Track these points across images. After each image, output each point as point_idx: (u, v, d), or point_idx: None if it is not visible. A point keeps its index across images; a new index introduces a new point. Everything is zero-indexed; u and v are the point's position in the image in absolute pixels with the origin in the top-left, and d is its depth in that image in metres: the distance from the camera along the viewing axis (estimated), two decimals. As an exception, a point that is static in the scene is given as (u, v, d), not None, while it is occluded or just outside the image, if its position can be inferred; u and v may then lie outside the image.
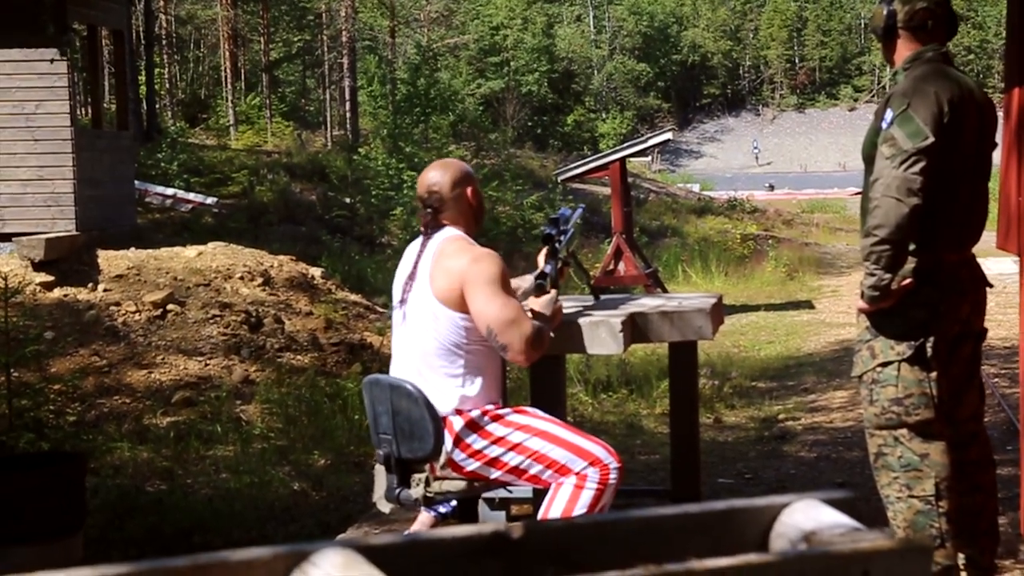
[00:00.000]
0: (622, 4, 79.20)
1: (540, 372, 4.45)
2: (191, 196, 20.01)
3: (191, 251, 12.39)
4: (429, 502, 4.14)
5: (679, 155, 74.56)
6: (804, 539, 1.31)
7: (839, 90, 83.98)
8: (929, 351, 3.90)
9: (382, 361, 6.51)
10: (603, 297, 5.04)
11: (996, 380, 8.99)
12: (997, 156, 4.30)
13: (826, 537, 1.29)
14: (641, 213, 25.89)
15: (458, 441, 4.03)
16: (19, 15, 12.15)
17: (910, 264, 3.88)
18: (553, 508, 3.94)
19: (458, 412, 4.05)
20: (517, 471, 4.02)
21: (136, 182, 16.61)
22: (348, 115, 36.36)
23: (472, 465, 4.05)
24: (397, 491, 4.14)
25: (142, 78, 27.78)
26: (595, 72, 74.56)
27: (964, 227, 4.02)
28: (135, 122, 21.68)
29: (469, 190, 4.23)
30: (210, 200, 19.95)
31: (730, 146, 78.39)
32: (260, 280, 11.92)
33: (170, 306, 11.07)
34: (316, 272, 12.92)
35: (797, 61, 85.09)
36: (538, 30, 67.67)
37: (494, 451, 4.02)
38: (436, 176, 4.22)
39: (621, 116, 71.19)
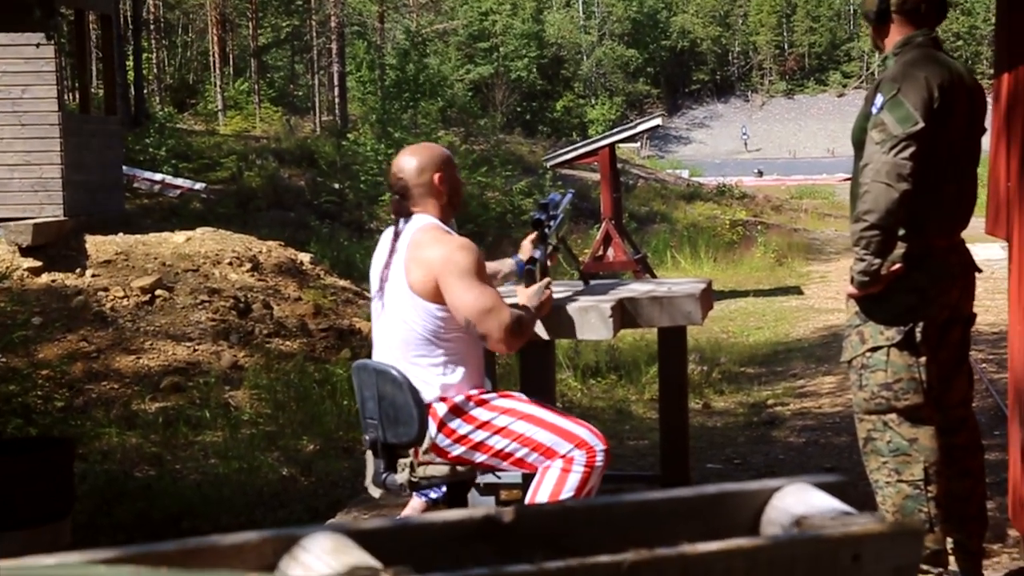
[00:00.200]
0: (611, -11, 79.12)
1: (529, 358, 4.44)
2: (179, 182, 19.95)
3: (179, 236, 12.36)
4: (414, 487, 4.13)
5: (668, 141, 74.53)
6: (795, 523, 1.30)
7: (828, 76, 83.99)
8: (918, 336, 3.90)
9: (371, 346, 6.58)
10: (592, 283, 5.04)
11: (984, 365, 9.01)
12: (986, 142, 4.29)
13: (817, 521, 1.28)
14: (630, 199, 25.90)
15: (442, 426, 4.03)
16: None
17: (900, 249, 3.88)
18: (540, 492, 3.93)
19: (442, 399, 4.04)
20: (503, 455, 4.01)
21: (124, 168, 16.55)
22: (337, 100, 36.32)
23: (457, 450, 4.04)
24: (384, 476, 4.14)
25: (130, 63, 27.68)
26: (584, 58, 74.47)
27: (954, 212, 4.02)
28: (123, 107, 21.59)
29: (436, 176, 4.11)
30: (198, 186, 19.89)
31: (719, 132, 78.38)
32: (249, 266, 11.89)
33: (158, 292, 11.05)
34: (305, 258, 12.90)
35: (786, 47, 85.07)
36: (527, 16, 67.55)
37: (479, 435, 4.02)
38: (403, 162, 4.17)
39: (610, 102, 71.14)
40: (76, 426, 8.45)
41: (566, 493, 3.90)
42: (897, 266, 3.88)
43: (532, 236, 4.54)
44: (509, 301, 4.15)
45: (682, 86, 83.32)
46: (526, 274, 4.34)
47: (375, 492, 4.23)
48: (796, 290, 16.80)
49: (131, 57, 28.14)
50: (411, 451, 4.08)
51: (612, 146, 15.94)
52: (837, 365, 10.51)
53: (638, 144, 54.29)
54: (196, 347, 10.32)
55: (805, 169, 53.40)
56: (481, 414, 4.03)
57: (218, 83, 37.63)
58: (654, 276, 14.93)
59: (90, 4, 15.29)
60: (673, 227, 24.52)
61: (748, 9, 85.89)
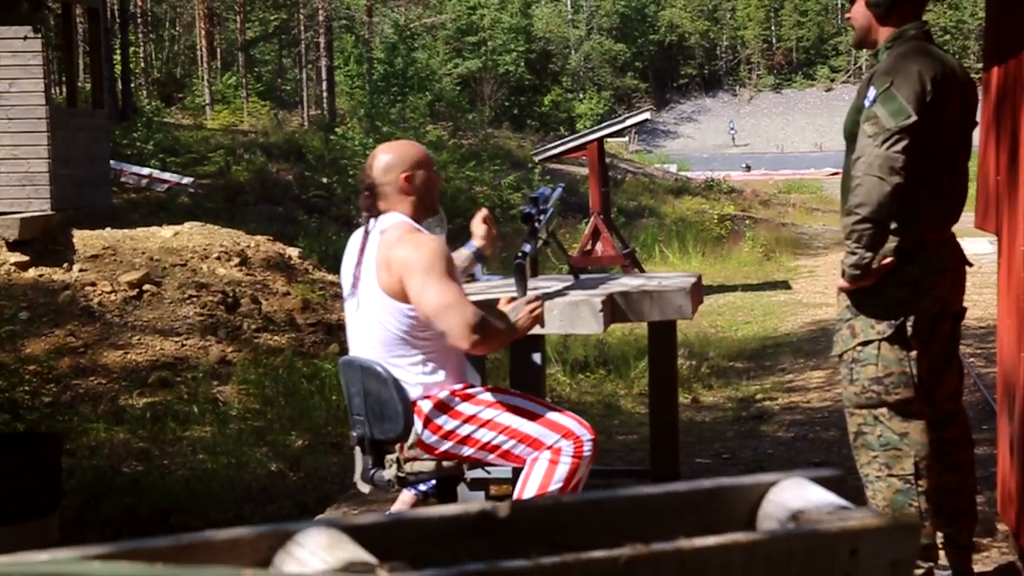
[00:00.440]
0: (599, -16, 79.10)
1: (519, 352, 4.44)
2: (167, 176, 19.88)
3: (167, 231, 12.33)
4: (402, 483, 4.12)
5: (656, 135, 74.55)
6: (792, 518, 1.30)
7: (816, 70, 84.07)
8: (909, 330, 3.90)
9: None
10: (582, 277, 5.03)
11: (972, 360, 9.03)
12: (975, 136, 4.29)
13: (814, 516, 1.28)
14: (618, 193, 25.90)
15: (428, 422, 4.02)
16: (-8, -8, 12.05)
17: (891, 243, 3.88)
18: (529, 484, 3.93)
19: (427, 396, 4.04)
20: (489, 447, 4.00)
21: (111, 162, 16.50)
22: (325, 95, 36.23)
23: (444, 445, 4.04)
24: (372, 472, 4.14)
25: (117, 57, 27.58)
26: (572, 52, 74.43)
27: (945, 206, 4.02)
28: (110, 101, 21.53)
29: (403, 176, 4.07)
30: (186, 180, 19.83)
31: (707, 126, 78.42)
32: (237, 260, 11.87)
33: (146, 286, 11.02)
34: (293, 252, 12.87)
35: (774, 41, 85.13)
36: (515, 10, 67.49)
37: (465, 429, 4.01)
38: (373, 159, 4.15)
39: (598, 96, 71.12)
40: (63, 421, 8.43)
41: (555, 484, 3.90)
42: (888, 260, 3.88)
43: (482, 214, 4.53)
44: (507, 307, 4.14)
45: (670, 80, 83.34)
46: (516, 268, 4.33)
47: (364, 488, 4.23)
48: (784, 285, 16.82)
49: (118, 51, 28.03)
50: (398, 447, 4.07)
51: (600, 140, 15.94)
52: (825, 360, 10.53)
53: (626, 138, 54.26)
54: (184, 342, 10.30)
55: (793, 164, 53.44)
56: (467, 408, 4.02)
57: (206, 77, 37.53)
58: (642, 271, 14.93)
59: (77, -3, 15.24)
60: (661, 221, 24.53)
61: (736, 3, 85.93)
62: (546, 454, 3.93)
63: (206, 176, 20.57)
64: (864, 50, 4.25)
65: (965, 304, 4.22)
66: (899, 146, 3.72)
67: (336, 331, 10.92)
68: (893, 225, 3.84)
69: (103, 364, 9.81)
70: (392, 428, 4.04)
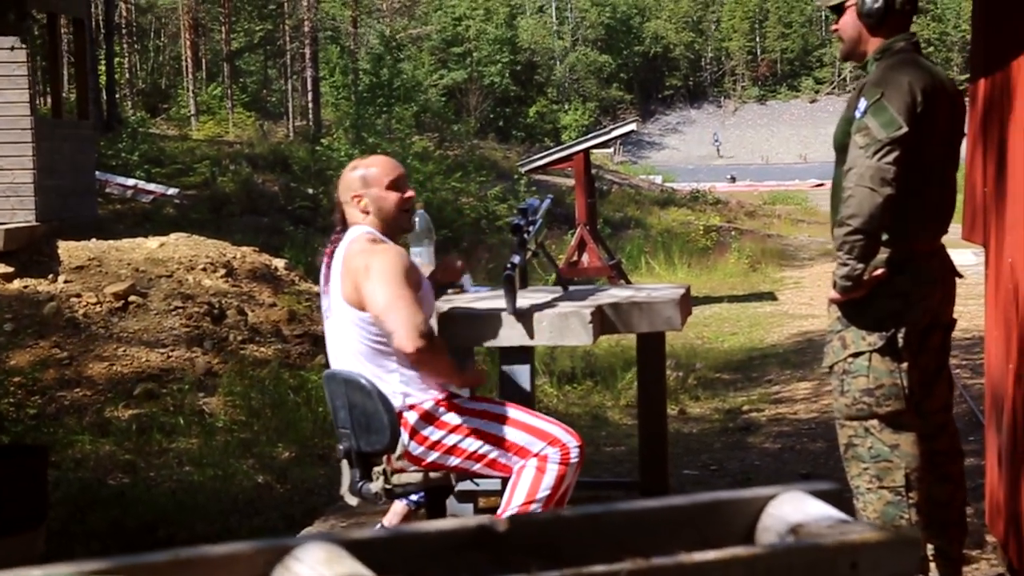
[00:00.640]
0: (584, -5, 79.26)
1: (508, 363, 4.43)
2: (152, 187, 19.85)
3: (153, 242, 12.29)
4: (390, 495, 4.12)
5: (641, 147, 74.70)
6: (791, 531, 1.29)
7: (800, 82, 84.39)
8: (900, 342, 3.90)
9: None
10: (571, 288, 5.03)
11: (958, 371, 9.04)
12: (962, 147, 4.30)
13: (813, 529, 1.28)
14: (604, 205, 25.91)
15: (414, 434, 4.02)
16: (-22, 3, 12.04)
17: (882, 254, 3.88)
18: (517, 493, 3.93)
19: (411, 407, 4.04)
20: (476, 457, 4.00)
21: (96, 173, 16.46)
22: (310, 105, 36.22)
23: (431, 456, 4.03)
24: (359, 485, 4.14)
25: (102, 67, 27.55)
26: (557, 63, 74.59)
27: (935, 217, 4.03)
28: (95, 112, 21.48)
29: (353, 197, 4.14)
30: (171, 191, 19.80)
31: (692, 138, 78.61)
32: (223, 271, 11.83)
33: (132, 298, 10.98)
34: (279, 263, 12.84)
35: (759, 53, 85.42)
36: (500, 21, 67.62)
37: (451, 439, 4.01)
38: (342, 175, 4.24)
39: (583, 107, 71.27)
40: (48, 433, 8.38)
41: (542, 492, 3.89)
42: (880, 271, 3.88)
43: (458, 263, 4.54)
44: None
45: (655, 92, 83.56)
46: (505, 280, 4.33)
47: (352, 501, 4.22)
48: (770, 296, 16.84)
49: (103, 61, 28.00)
50: (385, 459, 4.06)
51: (586, 152, 15.95)
52: (812, 371, 10.55)
53: (611, 150, 54.34)
54: (170, 353, 10.26)
55: (778, 175, 53.63)
56: (452, 418, 4.02)
57: (191, 88, 37.50)
58: (629, 282, 14.94)
59: (62, 8, 15.20)
60: (647, 233, 24.55)
61: (721, 15, 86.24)
62: (532, 461, 3.93)
63: (191, 187, 20.54)
64: (851, 62, 4.25)
65: (954, 316, 4.22)
66: (890, 157, 3.72)
67: (323, 342, 10.87)
68: (884, 236, 3.85)
69: (88, 376, 9.76)
70: (378, 440, 4.04)
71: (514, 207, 23.62)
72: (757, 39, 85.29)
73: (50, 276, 11.33)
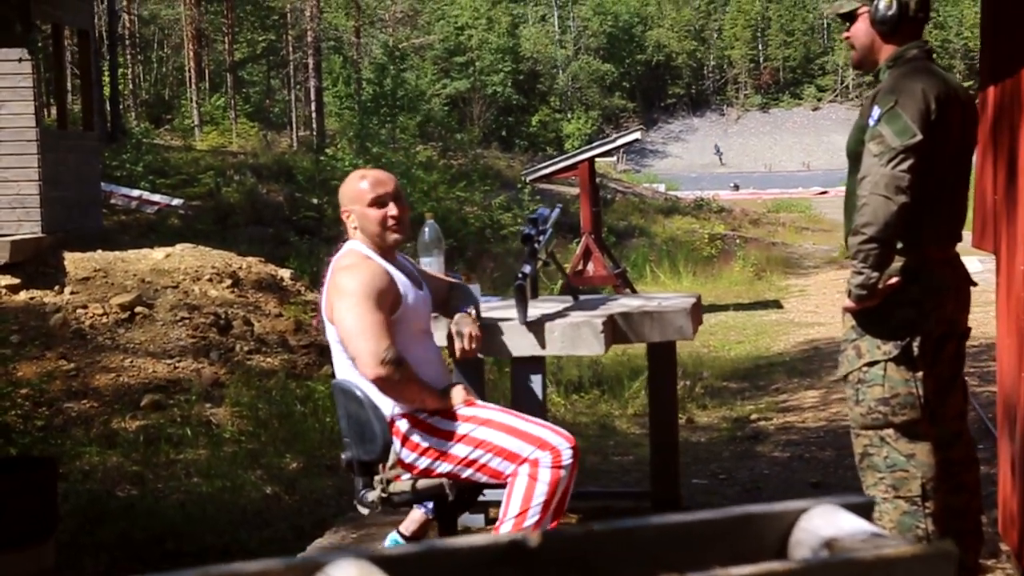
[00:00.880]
0: (586, 4, 79.32)
1: (520, 373, 4.42)
2: (156, 198, 19.86)
3: (159, 253, 12.29)
4: (386, 503, 4.13)
5: (644, 155, 74.72)
6: (824, 545, 1.28)
7: (803, 90, 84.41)
8: (916, 351, 3.89)
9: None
10: (582, 298, 5.02)
11: (966, 378, 9.02)
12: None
13: (847, 543, 1.26)
14: (608, 213, 25.92)
15: (405, 441, 4.06)
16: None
17: (897, 263, 3.86)
18: (512, 503, 3.93)
19: (403, 415, 4.07)
20: (467, 462, 4.02)
21: (101, 184, 16.47)
22: (314, 115, 36.25)
23: (423, 462, 4.06)
24: (361, 493, 4.16)
25: (106, 78, 27.58)
26: (560, 72, 74.63)
27: (949, 225, 4.01)
28: (99, 123, 21.50)
29: (342, 212, 4.23)
30: (176, 201, 19.81)
31: (695, 146, 78.63)
32: (229, 282, 11.83)
33: (138, 308, 10.97)
34: (285, 273, 12.84)
35: (761, 61, 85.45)
36: (503, 30, 67.68)
37: (442, 445, 4.03)
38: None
39: (586, 116, 71.31)
40: (56, 445, 8.37)
41: (537, 499, 3.89)
42: (894, 279, 3.87)
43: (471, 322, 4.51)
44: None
45: (658, 100, 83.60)
46: (517, 290, 4.32)
47: (363, 510, 4.22)
48: (776, 304, 16.83)
49: (107, 72, 28.04)
50: (381, 467, 4.09)
51: (591, 160, 15.94)
52: (819, 379, 10.53)
53: (614, 158, 54.37)
54: (176, 364, 10.26)
55: (781, 183, 53.63)
56: (443, 424, 4.05)
57: (194, 98, 37.54)
58: (634, 291, 14.92)
59: (67, 19, 15.22)
60: (652, 241, 24.55)
61: (723, 23, 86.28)
62: (525, 469, 3.92)
63: (196, 198, 20.54)
64: (862, 70, 4.23)
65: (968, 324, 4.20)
66: (905, 165, 3.70)
67: (328, 352, 10.88)
68: (899, 245, 3.83)
69: (95, 387, 9.75)
70: (372, 449, 4.09)
71: (519, 216, 23.67)
72: (759, 47, 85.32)
73: (56, 287, 11.33)
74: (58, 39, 15.62)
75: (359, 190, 4.19)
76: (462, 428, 4.02)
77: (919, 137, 3.73)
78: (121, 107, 31.37)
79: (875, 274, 3.79)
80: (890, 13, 3.98)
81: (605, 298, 5.38)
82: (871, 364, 3.92)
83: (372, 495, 4.12)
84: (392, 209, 4.15)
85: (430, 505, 4.69)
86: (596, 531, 1.26)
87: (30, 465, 5.68)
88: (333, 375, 4.33)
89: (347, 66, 40.99)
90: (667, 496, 5.13)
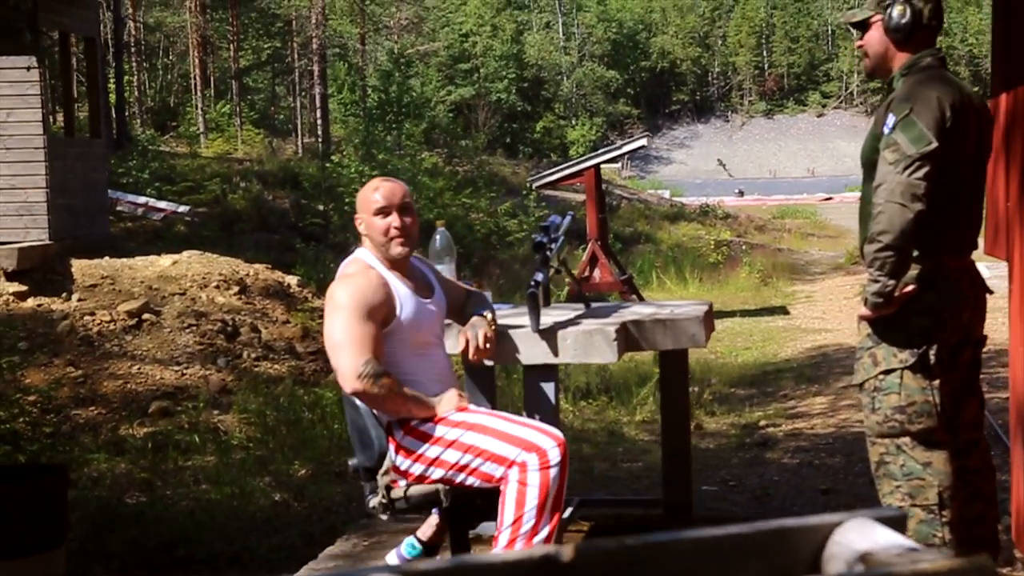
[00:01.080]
0: (591, 11, 79.40)
1: (533, 381, 4.41)
2: (163, 204, 19.86)
3: (166, 260, 12.30)
4: (386, 509, 4.14)
5: (648, 161, 74.75)
6: (860, 560, 1.27)
7: (807, 96, 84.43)
8: (932, 358, 3.87)
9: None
10: (594, 305, 5.01)
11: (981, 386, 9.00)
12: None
13: (883, 558, 1.25)
14: (614, 219, 25.91)
15: (399, 448, 4.09)
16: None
17: (913, 270, 3.85)
18: (506, 512, 3.95)
19: (398, 421, 4.10)
20: (458, 467, 4.04)
21: (108, 191, 16.48)
22: (319, 122, 36.25)
23: (417, 468, 4.08)
24: (367, 499, 4.19)
25: (111, 85, 27.60)
26: (564, 79, 74.65)
27: (965, 232, 4.00)
28: (106, 130, 21.53)
29: (356, 218, 4.30)
30: (182, 208, 19.81)
31: (699, 152, 78.65)
32: (236, 289, 11.83)
33: (145, 315, 10.97)
34: (292, 280, 12.84)
35: (765, 67, 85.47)
36: (507, 37, 67.72)
37: (434, 451, 4.05)
38: None
39: (591, 123, 71.34)
40: (64, 452, 8.37)
41: (530, 503, 3.90)
42: (910, 287, 3.86)
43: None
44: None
45: (662, 106, 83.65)
46: (529, 297, 4.31)
47: (383, 516, 4.24)
48: (782, 310, 16.82)
49: (113, 79, 28.06)
50: (381, 473, 4.10)
51: (597, 167, 15.95)
52: (827, 385, 10.52)
53: (619, 164, 54.40)
54: (184, 371, 10.25)
55: (786, 189, 53.61)
56: (434, 430, 4.07)
57: (199, 105, 37.55)
58: (641, 297, 14.91)
59: (74, 26, 15.23)
60: (658, 247, 24.55)
61: (727, 30, 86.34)
62: (514, 474, 3.93)
63: (202, 204, 20.54)
64: (876, 78, 4.22)
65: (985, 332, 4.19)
66: (920, 172, 3.70)
67: (336, 359, 10.87)
68: (914, 253, 3.82)
69: (103, 394, 9.75)
70: (370, 456, 4.14)
71: (524, 223, 23.67)
72: (764, 53, 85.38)
73: (63, 294, 11.34)
74: (65, 47, 15.62)
75: (368, 199, 4.24)
76: (451, 434, 4.05)
77: (934, 144, 3.72)
78: (127, 114, 31.39)
79: (891, 282, 3.78)
80: (904, 21, 3.97)
81: (617, 305, 5.37)
82: (887, 372, 3.91)
83: (374, 501, 4.15)
84: (395, 220, 4.16)
85: None
86: (631, 545, 1.25)
87: (41, 473, 5.68)
88: None
89: (352, 73, 41.07)
90: (680, 504, 5.11)
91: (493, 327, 4.31)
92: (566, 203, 27.31)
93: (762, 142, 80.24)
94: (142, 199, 19.78)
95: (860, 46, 4.18)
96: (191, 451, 8.54)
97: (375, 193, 4.22)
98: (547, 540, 3.90)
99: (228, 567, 6.12)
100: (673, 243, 25.28)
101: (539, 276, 4.39)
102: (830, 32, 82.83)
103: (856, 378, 4.05)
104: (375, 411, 4.08)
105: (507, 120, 63.96)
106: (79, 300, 11.25)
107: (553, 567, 1.22)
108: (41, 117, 12.97)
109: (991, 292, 4.13)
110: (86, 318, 10.84)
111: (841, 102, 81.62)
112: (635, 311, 4.87)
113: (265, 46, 46.90)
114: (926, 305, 3.88)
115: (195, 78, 40.26)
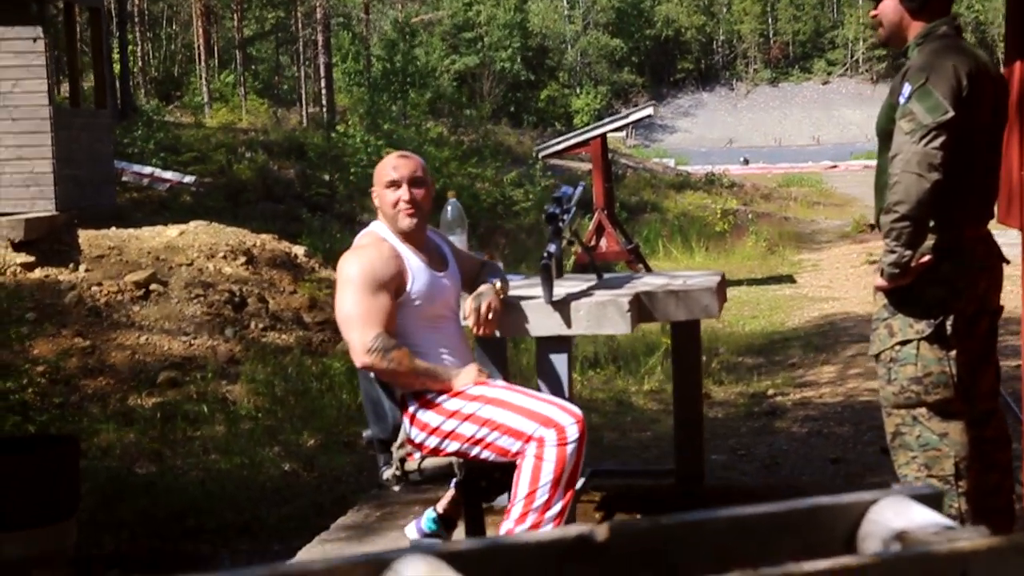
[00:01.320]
0: (595, -22, 79.00)
1: (546, 353, 4.40)
2: (168, 175, 19.81)
3: (172, 230, 12.29)
4: (399, 481, 4.14)
5: (653, 130, 74.47)
6: (896, 538, 1.26)
7: (812, 64, 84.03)
8: (948, 329, 3.86)
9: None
10: (606, 276, 4.99)
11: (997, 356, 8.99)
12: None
13: (920, 536, 1.24)
14: (620, 189, 25.84)
15: (414, 419, 4.08)
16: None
17: (928, 240, 3.83)
18: (520, 485, 3.93)
19: (413, 394, 4.09)
20: (474, 441, 4.02)
21: (114, 161, 16.44)
22: (323, 92, 36.14)
23: (432, 441, 4.08)
24: (381, 470, 4.18)
25: (116, 56, 27.51)
26: (568, 48, 74.36)
27: (981, 202, 3.98)
28: (111, 100, 21.47)
29: (372, 191, 4.29)
30: (188, 179, 19.76)
31: (704, 121, 78.39)
32: (243, 259, 11.82)
33: (152, 286, 10.98)
34: (299, 250, 12.83)
35: (771, 35, 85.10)
36: (511, 6, 67.34)
37: (450, 424, 4.04)
38: None
39: (595, 91, 71.03)
40: (73, 422, 8.38)
41: (544, 478, 3.89)
42: (926, 258, 3.83)
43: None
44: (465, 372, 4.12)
45: (667, 75, 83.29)
46: (543, 269, 4.29)
47: (396, 488, 4.24)
48: (789, 279, 16.80)
49: (117, 50, 27.97)
50: (395, 446, 4.10)
51: (604, 136, 15.90)
52: (835, 354, 10.51)
53: (624, 134, 54.24)
54: (192, 341, 10.26)
55: (791, 157, 53.41)
56: (451, 404, 4.06)
57: (203, 75, 37.45)
58: (647, 267, 14.88)
59: (80, -3, 15.17)
60: (664, 217, 24.49)
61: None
62: (531, 449, 3.92)
63: (207, 174, 20.50)
64: (891, 47, 4.18)
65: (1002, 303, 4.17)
66: (937, 142, 3.67)
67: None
68: (931, 223, 3.80)
69: (111, 364, 9.76)
70: (384, 428, 4.13)
71: (530, 192, 23.62)
72: (769, 21, 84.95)
73: (71, 265, 11.33)
74: (70, 17, 15.56)
75: (381, 172, 4.25)
76: (469, 407, 4.03)
77: (951, 114, 3.69)
78: (131, 85, 31.30)
79: (908, 252, 3.76)
80: None
81: (629, 276, 5.35)
82: (903, 343, 3.89)
83: (388, 473, 4.14)
84: (405, 193, 4.15)
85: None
86: (665, 524, 1.23)
87: (52, 443, 5.68)
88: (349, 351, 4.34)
89: (356, 42, 40.89)
90: (692, 474, 5.11)
91: (501, 296, 4.30)
92: (571, 172, 27.28)
93: (767, 110, 79.94)
94: (147, 169, 19.73)
95: (874, 15, 4.14)
96: (200, 421, 8.55)
97: (388, 166, 4.22)
98: (559, 516, 3.90)
99: (238, 537, 6.13)
100: (679, 212, 25.23)
101: (552, 248, 4.37)
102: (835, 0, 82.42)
103: (872, 349, 4.03)
104: (389, 384, 4.07)
105: (511, 89, 63.68)
106: (86, 271, 11.25)
107: (587, 547, 1.21)
108: (47, 88, 12.93)
109: (1007, 262, 4.10)
110: (93, 288, 10.84)
111: (847, 70, 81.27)
112: (647, 282, 4.85)
113: (269, 15, 46.75)
114: (942, 275, 3.85)
115: (199, 48, 40.16)
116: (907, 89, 3.77)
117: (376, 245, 4.14)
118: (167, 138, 23.10)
